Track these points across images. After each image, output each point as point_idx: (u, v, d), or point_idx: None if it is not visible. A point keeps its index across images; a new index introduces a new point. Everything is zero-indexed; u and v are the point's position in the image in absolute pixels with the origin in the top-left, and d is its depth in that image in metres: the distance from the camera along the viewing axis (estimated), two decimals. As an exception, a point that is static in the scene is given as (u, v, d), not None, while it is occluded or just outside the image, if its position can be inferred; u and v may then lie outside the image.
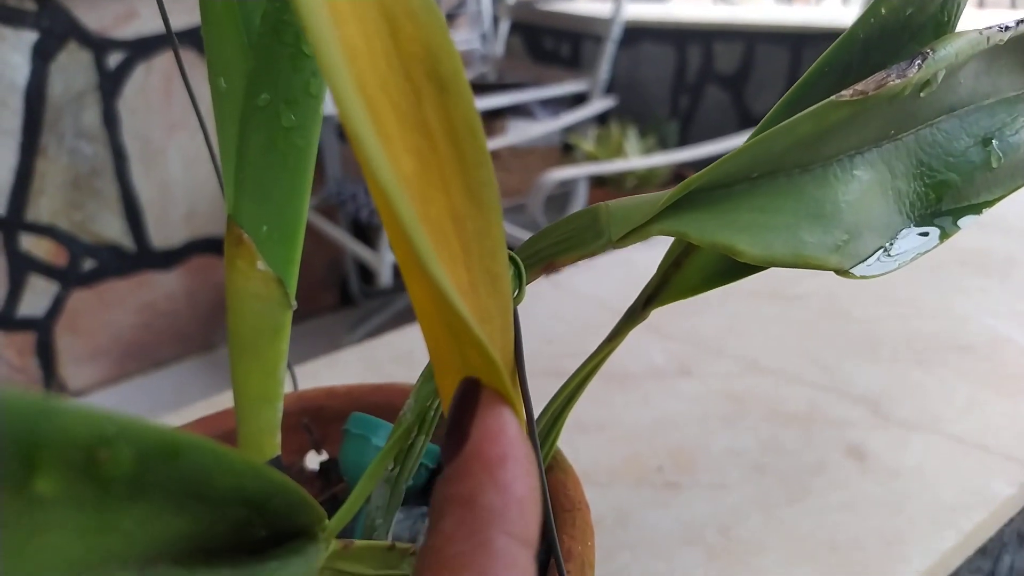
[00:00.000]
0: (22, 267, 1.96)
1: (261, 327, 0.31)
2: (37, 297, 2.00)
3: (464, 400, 0.17)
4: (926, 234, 0.26)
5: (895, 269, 0.25)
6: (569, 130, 2.17)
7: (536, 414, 0.30)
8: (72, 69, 1.92)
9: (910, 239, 0.26)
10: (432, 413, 0.28)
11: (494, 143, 1.93)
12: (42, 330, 2.03)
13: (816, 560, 0.42)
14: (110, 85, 1.99)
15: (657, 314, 0.67)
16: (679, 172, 2.11)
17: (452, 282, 0.18)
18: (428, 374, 0.22)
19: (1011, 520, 0.49)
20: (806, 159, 0.24)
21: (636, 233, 0.23)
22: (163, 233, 2.15)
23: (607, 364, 0.60)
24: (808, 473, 0.49)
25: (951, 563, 0.44)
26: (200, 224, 2.21)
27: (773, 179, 0.24)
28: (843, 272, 0.24)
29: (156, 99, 2.05)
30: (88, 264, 2.06)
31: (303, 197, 0.31)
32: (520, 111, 2.18)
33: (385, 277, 1.83)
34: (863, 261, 0.24)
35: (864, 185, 0.25)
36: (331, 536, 0.18)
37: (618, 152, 2.06)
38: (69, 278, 2.04)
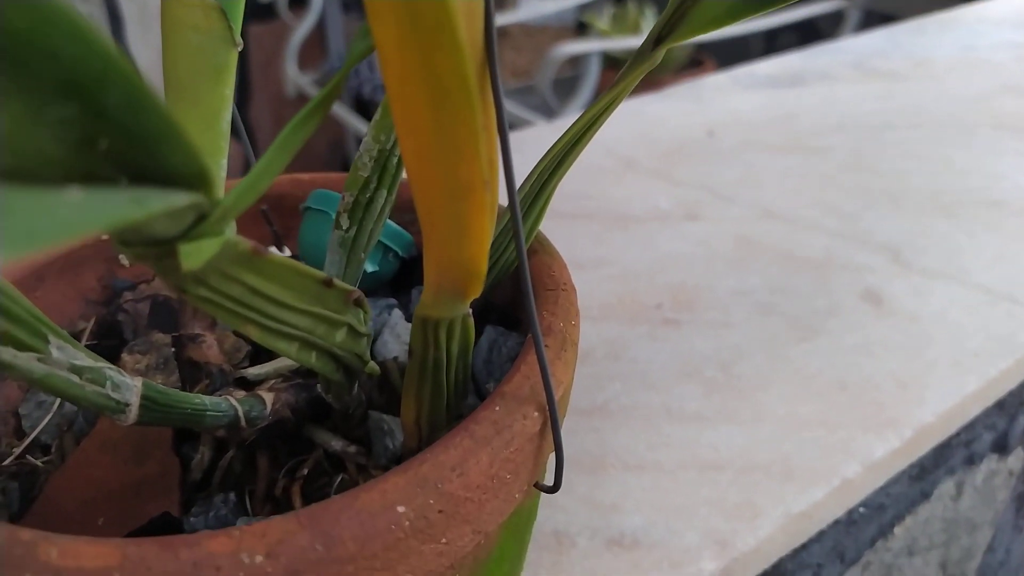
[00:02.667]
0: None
1: (200, 66, 0.26)
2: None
3: None
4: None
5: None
6: (584, 7, 2.06)
7: (518, 182, 0.26)
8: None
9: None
10: (395, 160, 0.24)
11: (504, 18, 1.84)
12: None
13: (824, 398, 0.39)
14: (103, -61, 1.88)
15: (663, 161, 0.61)
16: (697, 56, 2.02)
17: None
18: (364, 30, 0.17)
19: (1035, 375, 0.45)
20: None
21: None
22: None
23: (607, 206, 0.55)
24: (820, 315, 0.45)
25: (970, 410, 0.41)
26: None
27: None
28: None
29: (151, -43, 1.95)
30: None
31: (250, -88, 0.26)
32: None
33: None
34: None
35: None
36: (227, 215, 0.14)
37: (635, 31, 1.96)
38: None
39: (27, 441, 0.27)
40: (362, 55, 0.16)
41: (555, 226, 0.54)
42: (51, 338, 0.19)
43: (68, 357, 0.19)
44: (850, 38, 0.91)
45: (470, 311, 0.21)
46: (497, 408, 0.20)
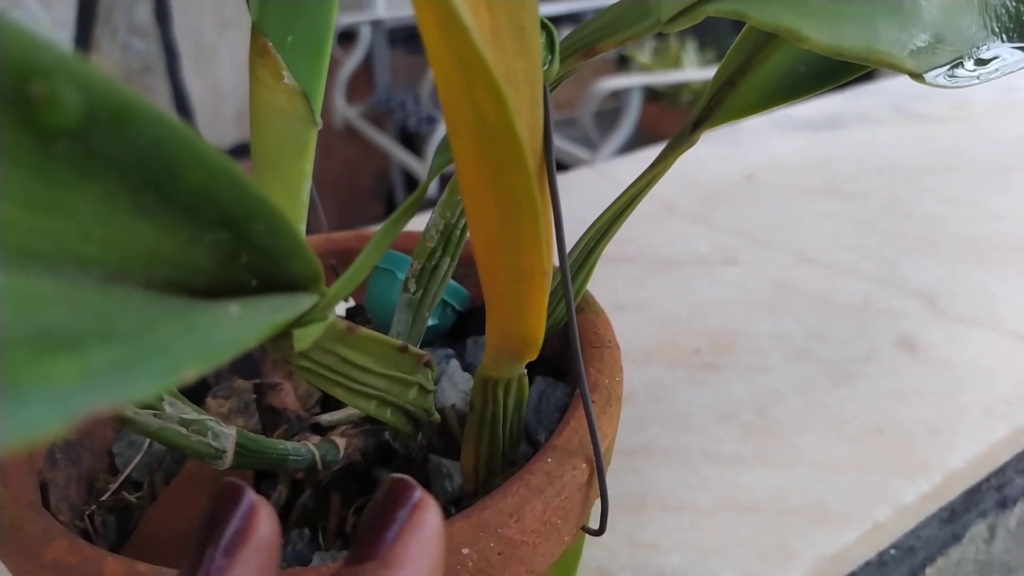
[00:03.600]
0: (76, 161, 1.98)
1: (284, 144, 0.29)
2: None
3: (392, 499, 0.17)
4: (1012, 51, 0.23)
5: (975, 83, 0.23)
6: (626, 42, 2.09)
7: (568, 248, 0.29)
8: (124, -39, 1.90)
9: (1001, 52, 0.23)
10: (458, 232, 0.27)
11: (548, 52, 1.87)
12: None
13: (858, 442, 0.41)
14: (162, -21, 1.96)
15: (702, 205, 0.64)
16: (738, 89, 2.03)
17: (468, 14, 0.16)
18: (444, 145, 0.20)
19: (1069, 421, 0.46)
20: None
21: (689, 13, 0.20)
22: (213, 133, 2.14)
23: (648, 250, 0.58)
24: (855, 361, 0.46)
25: (1000, 456, 0.42)
26: (248, 128, 2.20)
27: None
28: (917, 76, 0.21)
29: (208, -4, 2.02)
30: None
31: (331, 5, 0.29)
32: (575, 19, 2.11)
33: (431, 188, 1.81)
34: (939, 67, 0.22)
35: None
36: (330, 303, 0.16)
37: (676, 65, 1.99)
38: (121, 175, 2.06)
39: (121, 478, 0.30)
40: (441, 167, 0.19)
41: (599, 270, 0.56)
42: (164, 396, 0.22)
43: (178, 412, 0.22)
44: (889, 79, 0.93)
45: (525, 371, 0.23)
46: (549, 460, 0.23)
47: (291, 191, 0.29)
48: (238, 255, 0.14)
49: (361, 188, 2.43)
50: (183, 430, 0.22)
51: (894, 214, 0.63)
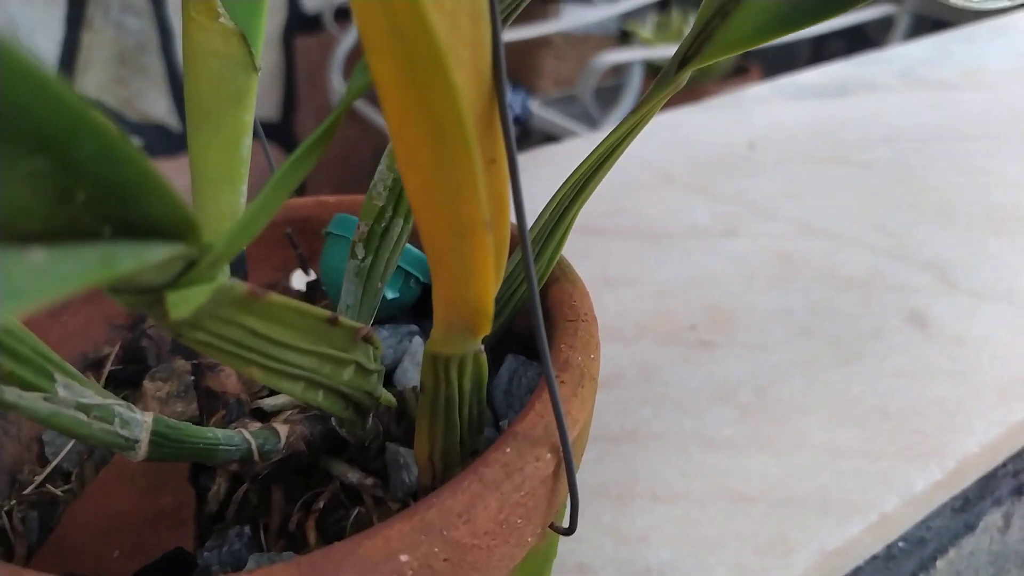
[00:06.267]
0: (69, 141, 1.95)
1: (220, 91, 0.26)
2: (84, 173, 2.00)
3: None
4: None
5: (1007, 6, 0.19)
6: (627, 16, 2.05)
7: (537, 211, 0.25)
8: (115, -64, 1.86)
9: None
10: (408, 191, 0.23)
11: (547, 27, 1.83)
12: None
13: (865, 425, 0.37)
14: (153, -45, 1.93)
15: (702, 175, 0.60)
16: (742, 64, 1.99)
17: None
18: (364, 65, 0.17)
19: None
20: None
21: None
22: (208, 112, 2.11)
23: (643, 222, 0.54)
24: (862, 338, 0.43)
25: (1018, 440, 0.39)
26: (245, 106, 2.16)
27: None
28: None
29: (200, -30, 1.98)
30: (135, 142, 2.04)
31: (269, -62, 0.25)
32: (576, -6, 2.06)
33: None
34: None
35: None
36: (218, 260, 0.13)
37: (678, 39, 1.94)
38: (115, 155, 2.03)
39: (48, 469, 0.27)
40: (361, 91, 0.16)
41: (589, 243, 0.53)
42: (57, 376, 0.18)
43: (75, 395, 0.19)
44: (898, 46, 0.89)
45: (482, 347, 0.20)
46: (508, 450, 0.20)
47: (228, 145, 0.26)
48: (71, 192, 0.11)
49: (359, 168, 2.40)
50: (82, 416, 0.19)
51: (904, 183, 0.59)
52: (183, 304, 0.13)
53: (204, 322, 0.15)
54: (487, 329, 0.18)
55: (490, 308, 0.17)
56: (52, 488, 0.27)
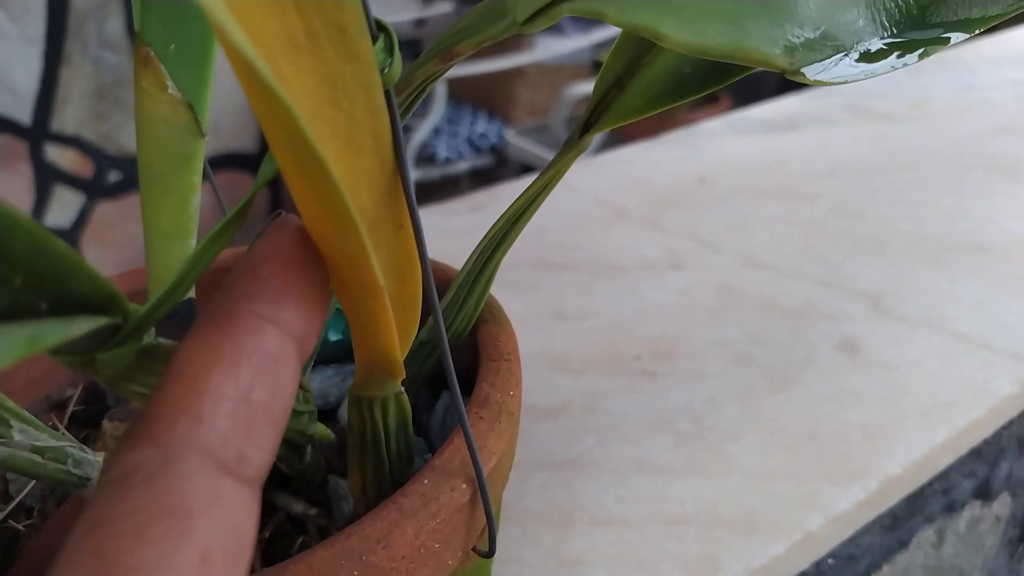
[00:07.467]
0: (48, 178, 1.97)
1: (170, 156, 0.28)
2: (63, 208, 2.01)
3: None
4: (903, 45, 0.23)
5: (860, 79, 0.22)
6: (600, 47, 2.09)
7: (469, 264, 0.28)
8: (92, -26, 1.89)
9: (883, 49, 0.22)
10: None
11: (521, 58, 1.87)
12: (69, 241, 2.04)
13: (792, 450, 0.40)
14: (131, -8, 1.95)
15: (654, 209, 0.64)
16: (717, 94, 2.03)
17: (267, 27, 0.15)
18: (271, 155, 0.19)
19: (1010, 424, 0.46)
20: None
21: (545, 14, 0.19)
22: (186, 146, 2.13)
23: (596, 256, 0.57)
24: (795, 366, 0.46)
25: (940, 460, 0.41)
26: (224, 139, 2.19)
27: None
28: (792, 73, 0.20)
29: (178, 7, 2.01)
30: (114, 176, 2.05)
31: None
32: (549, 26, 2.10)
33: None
34: (819, 63, 0.21)
35: (825, -25, 0.21)
36: (142, 326, 0.15)
37: (649, 70, 1.98)
38: (95, 189, 2.04)
39: (12, 505, 0.29)
40: (268, 177, 0.18)
41: (543, 277, 0.55)
42: (13, 422, 0.20)
43: (29, 439, 0.21)
44: (849, 79, 0.92)
45: (402, 389, 0.22)
46: (426, 481, 0.22)
47: (178, 205, 0.28)
48: (11, 278, 0.13)
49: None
50: (36, 458, 0.21)
51: (843, 215, 0.62)
52: (111, 363, 0.15)
53: (136, 375, 0.17)
54: (401, 374, 0.21)
55: (398, 358, 0.20)
56: (14, 523, 0.28)
